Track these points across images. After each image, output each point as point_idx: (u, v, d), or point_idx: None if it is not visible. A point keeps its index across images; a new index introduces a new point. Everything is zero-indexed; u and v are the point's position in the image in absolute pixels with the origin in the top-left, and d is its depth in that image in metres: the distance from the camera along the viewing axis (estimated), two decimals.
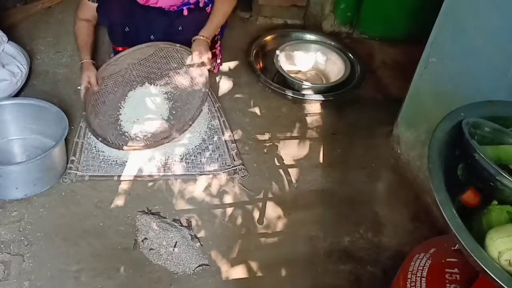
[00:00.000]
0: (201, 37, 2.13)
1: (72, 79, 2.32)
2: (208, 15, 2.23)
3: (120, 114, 2.05)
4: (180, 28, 2.24)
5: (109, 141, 1.91)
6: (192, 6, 2.25)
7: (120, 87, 2.14)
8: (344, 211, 1.89)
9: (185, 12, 2.24)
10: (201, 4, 2.26)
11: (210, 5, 2.27)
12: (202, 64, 2.06)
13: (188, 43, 2.25)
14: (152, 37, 2.22)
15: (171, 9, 2.23)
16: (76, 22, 2.21)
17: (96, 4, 2.16)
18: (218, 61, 2.43)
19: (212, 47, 2.33)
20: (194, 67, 2.07)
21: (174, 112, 2.03)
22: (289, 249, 1.75)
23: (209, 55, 2.10)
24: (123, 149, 1.90)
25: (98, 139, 1.92)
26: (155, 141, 1.93)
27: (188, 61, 2.10)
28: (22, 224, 1.71)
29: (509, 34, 1.47)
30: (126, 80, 2.17)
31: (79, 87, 2.12)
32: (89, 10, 2.18)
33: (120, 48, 2.26)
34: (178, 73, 2.12)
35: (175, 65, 2.14)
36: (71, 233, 1.70)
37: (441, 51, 1.80)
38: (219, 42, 2.40)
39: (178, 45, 2.17)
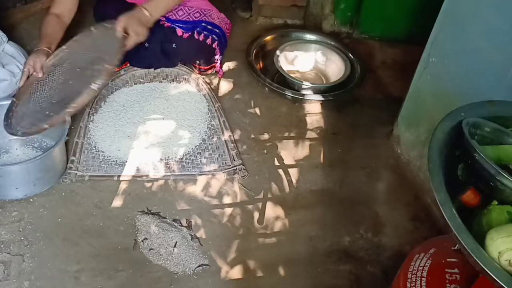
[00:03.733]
0: (142, 9, 1.99)
1: None
2: (206, 45, 2.27)
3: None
4: (174, 45, 2.27)
5: (15, 129, 1.76)
6: (185, 35, 2.26)
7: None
8: (344, 211, 1.89)
9: (179, 33, 2.26)
10: (195, 36, 2.27)
11: (210, 37, 2.28)
12: (125, 38, 1.91)
13: (182, 61, 2.28)
14: (146, 44, 2.20)
15: (164, 25, 2.25)
16: (46, 16, 2.12)
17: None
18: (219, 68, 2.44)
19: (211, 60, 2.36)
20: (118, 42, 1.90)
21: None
22: (289, 249, 1.75)
23: (139, 30, 1.95)
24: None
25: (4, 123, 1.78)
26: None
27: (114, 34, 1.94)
28: (22, 224, 1.71)
29: (509, 34, 1.47)
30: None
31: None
32: (61, 4, 2.11)
33: None
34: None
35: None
36: (71, 233, 1.70)
37: (441, 51, 1.80)
38: (218, 61, 2.41)
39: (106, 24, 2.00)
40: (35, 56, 1.95)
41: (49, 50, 2.00)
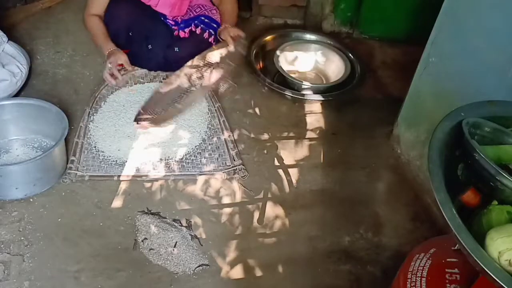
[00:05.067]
0: (226, 26, 2.25)
1: (72, 79, 2.32)
2: (204, 39, 2.29)
3: None
4: (176, 49, 2.27)
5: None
6: (186, 35, 2.30)
7: None
8: (344, 211, 1.89)
9: (182, 34, 2.30)
10: (193, 28, 2.29)
11: (207, 31, 2.29)
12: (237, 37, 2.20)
13: (181, 65, 2.27)
14: (149, 46, 2.24)
15: (174, 29, 2.29)
16: (87, 19, 2.21)
17: None
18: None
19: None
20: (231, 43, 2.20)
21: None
22: (289, 249, 1.75)
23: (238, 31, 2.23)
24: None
25: None
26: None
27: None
28: (22, 224, 1.71)
29: (509, 34, 1.47)
30: None
31: (106, 70, 2.14)
32: (101, 4, 2.18)
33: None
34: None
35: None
36: (71, 233, 1.70)
37: (441, 51, 1.80)
38: None
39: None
40: (116, 57, 2.12)
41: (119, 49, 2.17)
